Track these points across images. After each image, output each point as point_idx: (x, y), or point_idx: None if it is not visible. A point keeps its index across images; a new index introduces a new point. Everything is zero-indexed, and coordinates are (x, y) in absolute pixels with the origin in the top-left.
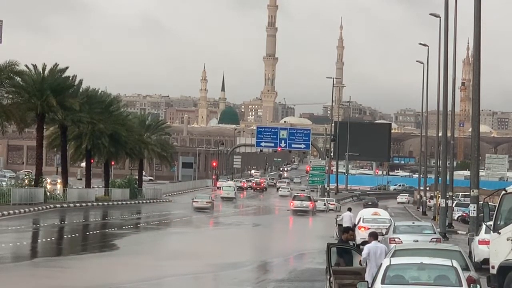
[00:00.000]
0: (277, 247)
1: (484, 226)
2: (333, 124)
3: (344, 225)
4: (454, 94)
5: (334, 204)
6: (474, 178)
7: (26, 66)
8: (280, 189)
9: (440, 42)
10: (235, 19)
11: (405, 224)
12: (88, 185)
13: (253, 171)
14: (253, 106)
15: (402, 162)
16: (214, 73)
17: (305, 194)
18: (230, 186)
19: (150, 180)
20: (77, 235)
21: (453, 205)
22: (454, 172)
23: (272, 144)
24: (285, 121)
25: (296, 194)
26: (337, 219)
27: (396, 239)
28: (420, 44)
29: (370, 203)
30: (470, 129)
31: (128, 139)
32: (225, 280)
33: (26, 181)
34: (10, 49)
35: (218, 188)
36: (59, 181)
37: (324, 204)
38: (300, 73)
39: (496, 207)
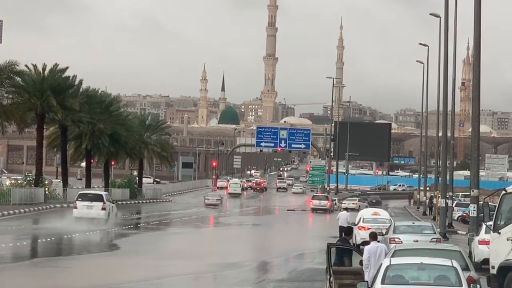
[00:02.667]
0: (277, 247)
1: (484, 226)
2: (333, 124)
3: (340, 224)
4: (454, 94)
5: (356, 203)
6: (474, 178)
7: (26, 66)
8: (293, 187)
9: (440, 42)
10: (235, 19)
11: (405, 224)
12: (88, 185)
13: (253, 171)
14: (253, 106)
15: (402, 162)
16: (214, 73)
17: (323, 194)
18: (236, 183)
19: (155, 181)
20: (77, 235)
21: (453, 205)
22: (454, 172)
23: (272, 144)
24: (285, 121)
25: (315, 194)
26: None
27: (396, 239)
28: (420, 44)
29: (374, 200)
30: (470, 129)
31: (128, 139)
32: (225, 280)
33: (8, 182)
34: (10, 49)
35: (218, 188)
36: (46, 182)
37: (335, 204)
38: (300, 73)
39: (496, 207)
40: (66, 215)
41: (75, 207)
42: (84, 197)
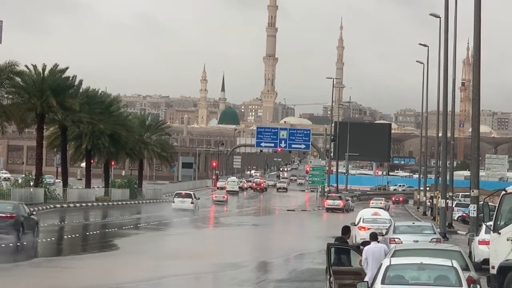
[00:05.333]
0: (277, 247)
1: (484, 226)
2: (333, 124)
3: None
4: (454, 94)
5: (383, 203)
6: (474, 178)
7: (26, 66)
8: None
9: (440, 42)
10: (235, 19)
11: (405, 224)
12: (88, 185)
13: (253, 171)
14: (253, 106)
15: (402, 162)
16: (214, 73)
17: (337, 194)
18: (234, 181)
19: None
20: (77, 235)
21: (453, 205)
22: (454, 172)
23: (272, 144)
24: (285, 121)
25: (328, 194)
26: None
27: (396, 239)
28: (420, 44)
29: (395, 199)
30: (470, 129)
31: (128, 139)
32: (225, 280)
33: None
34: (10, 49)
35: (218, 188)
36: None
37: (349, 203)
38: (300, 73)
39: (496, 207)
40: (167, 208)
41: (173, 202)
42: (179, 195)
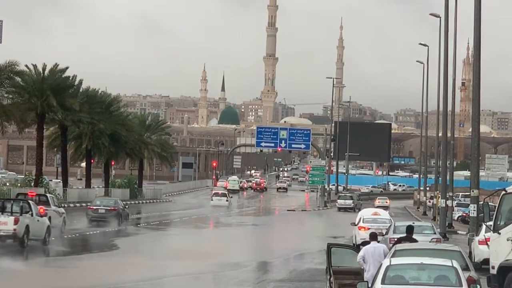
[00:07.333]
0: (277, 247)
1: (484, 226)
2: (333, 124)
3: None
4: (454, 94)
5: (388, 202)
6: (474, 178)
7: (26, 66)
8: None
9: (440, 42)
10: (235, 19)
11: (405, 224)
12: (88, 185)
13: (253, 171)
14: (253, 106)
15: (402, 162)
16: (214, 73)
17: (347, 194)
18: (234, 180)
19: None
20: (77, 235)
21: (453, 205)
22: (454, 172)
23: (272, 144)
24: (285, 121)
25: (340, 194)
26: None
27: (396, 239)
28: (420, 44)
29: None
30: (470, 129)
31: (128, 139)
32: (225, 280)
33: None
34: (10, 49)
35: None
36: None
37: (353, 202)
38: (300, 73)
39: (496, 207)
40: (207, 204)
41: (211, 200)
42: (216, 194)
